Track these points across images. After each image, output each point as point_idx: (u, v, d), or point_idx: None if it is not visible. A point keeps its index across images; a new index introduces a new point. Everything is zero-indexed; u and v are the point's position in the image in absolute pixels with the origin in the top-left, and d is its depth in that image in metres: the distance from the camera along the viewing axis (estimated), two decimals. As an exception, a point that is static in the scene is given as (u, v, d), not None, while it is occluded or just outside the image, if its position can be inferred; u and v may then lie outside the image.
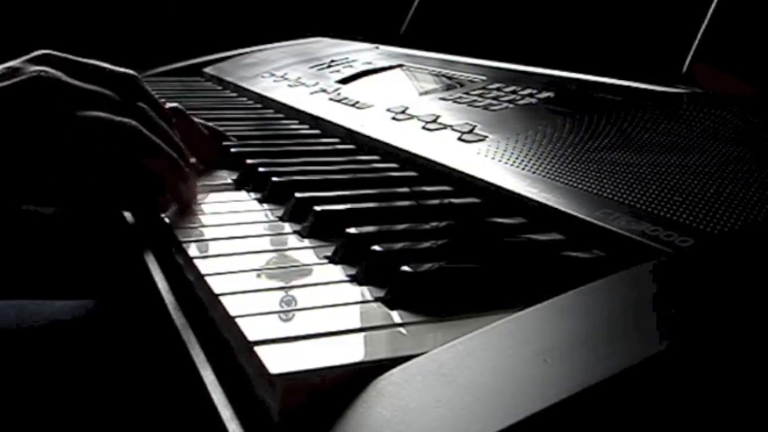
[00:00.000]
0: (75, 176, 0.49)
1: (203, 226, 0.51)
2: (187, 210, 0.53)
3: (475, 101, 0.69)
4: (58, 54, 0.53)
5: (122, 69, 0.55)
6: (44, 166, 0.48)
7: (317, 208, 0.48)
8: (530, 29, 0.90)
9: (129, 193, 0.52)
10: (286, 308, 0.37)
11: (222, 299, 0.37)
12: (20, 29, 1.48)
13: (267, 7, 1.64)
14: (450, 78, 0.81)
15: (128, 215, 0.60)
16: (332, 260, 0.43)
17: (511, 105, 0.66)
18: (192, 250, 0.45)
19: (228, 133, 0.70)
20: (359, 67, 0.95)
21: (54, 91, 0.49)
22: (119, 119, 0.50)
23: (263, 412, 0.31)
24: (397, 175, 0.60)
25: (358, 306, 0.37)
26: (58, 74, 0.50)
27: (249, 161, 0.62)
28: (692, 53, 0.63)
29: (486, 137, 0.59)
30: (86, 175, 0.49)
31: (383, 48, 1.08)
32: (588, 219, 0.42)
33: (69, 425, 0.51)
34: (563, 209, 0.44)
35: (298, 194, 0.52)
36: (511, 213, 0.48)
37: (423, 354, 0.31)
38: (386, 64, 0.94)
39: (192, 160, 0.60)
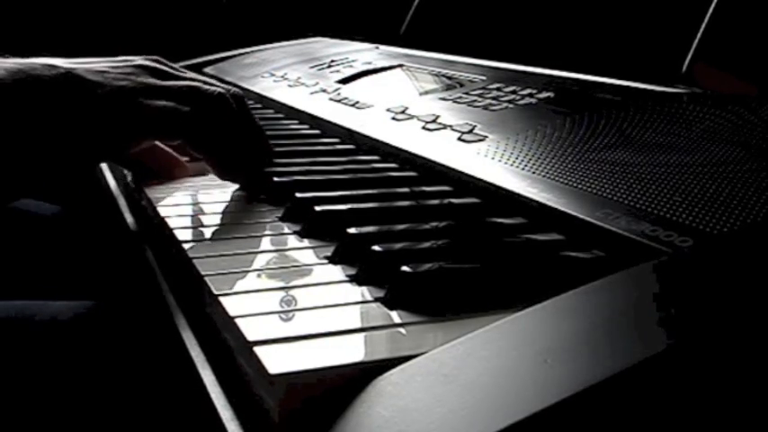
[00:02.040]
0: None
1: (203, 226, 0.51)
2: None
3: (475, 101, 0.69)
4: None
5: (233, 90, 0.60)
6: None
7: (317, 208, 0.48)
8: (530, 29, 0.90)
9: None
10: (286, 308, 0.37)
11: (222, 299, 0.37)
12: (20, 29, 1.48)
13: (267, 7, 1.64)
14: (450, 78, 0.81)
15: (128, 216, 0.60)
16: (332, 260, 0.43)
17: (511, 105, 0.66)
18: (192, 250, 0.45)
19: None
20: (359, 67, 0.95)
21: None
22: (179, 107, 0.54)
23: (263, 412, 0.31)
24: (397, 175, 0.60)
25: (358, 306, 0.37)
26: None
27: (249, 161, 0.62)
28: (691, 53, 0.63)
29: (486, 137, 0.59)
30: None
31: (383, 48, 1.08)
32: (588, 219, 0.42)
33: (70, 425, 0.51)
34: (563, 209, 0.44)
35: (298, 194, 0.52)
36: (511, 213, 0.48)
37: (423, 354, 0.31)
38: (386, 64, 0.94)
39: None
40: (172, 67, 0.59)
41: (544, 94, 0.66)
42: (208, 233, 0.49)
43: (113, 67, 0.55)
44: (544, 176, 0.49)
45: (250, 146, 0.60)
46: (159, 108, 0.54)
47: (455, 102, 0.70)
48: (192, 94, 0.56)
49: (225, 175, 0.59)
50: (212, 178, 0.62)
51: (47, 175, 0.53)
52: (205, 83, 0.59)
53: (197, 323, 0.41)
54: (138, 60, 0.57)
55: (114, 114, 0.53)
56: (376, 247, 0.41)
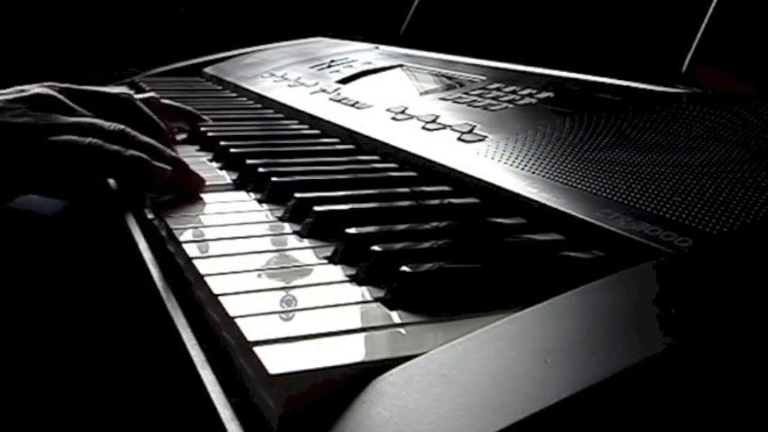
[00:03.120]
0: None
1: (203, 226, 0.51)
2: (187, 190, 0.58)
3: (474, 101, 0.69)
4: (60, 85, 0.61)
5: (118, 92, 0.65)
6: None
7: (317, 208, 0.48)
8: (530, 29, 0.90)
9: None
10: (285, 308, 0.37)
11: (222, 299, 0.37)
12: (21, 29, 1.48)
13: (267, 7, 1.64)
14: (449, 78, 0.81)
15: (129, 217, 0.60)
16: (332, 260, 0.43)
17: (510, 105, 0.66)
18: (192, 250, 0.45)
19: (228, 133, 0.70)
20: (359, 67, 0.95)
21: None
22: (82, 139, 0.57)
23: (263, 412, 0.31)
24: (397, 175, 0.60)
25: (358, 306, 0.37)
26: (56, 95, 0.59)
27: (249, 161, 0.62)
28: (691, 53, 0.63)
29: (486, 137, 0.59)
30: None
31: (383, 48, 1.08)
32: (588, 219, 0.42)
33: (70, 425, 0.51)
34: (562, 209, 0.44)
35: (298, 194, 0.52)
36: (510, 213, 0.48)
37: (422, 354, 0.31)
38: (386, 64, 0.94)
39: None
40: (70, 95, 0.61)
41: (544, 94, 0.66)
42: (208, 233, 0.49)
43: (8, 101, 0.58)
44: (544, 176, 0.49)
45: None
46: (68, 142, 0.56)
47: (455, 102, 0.70)
48: (93, 131, 0.58)
49: (145, 182, 0.59)
50: (212, 178, 0.62)
51: None
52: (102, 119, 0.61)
53: (197, 323, 0.41)
54: (35, 90, 0.59)
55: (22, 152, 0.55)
56: (376, 248, 0.41)
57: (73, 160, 0.56)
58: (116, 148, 0.57)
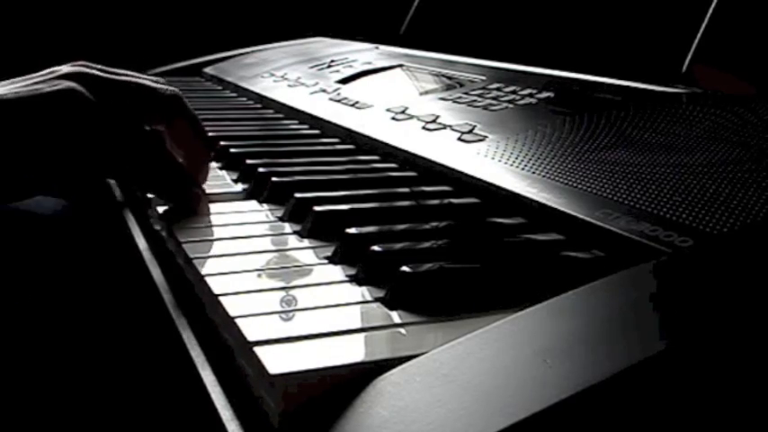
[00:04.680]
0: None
1: (203, 226, 0.51)
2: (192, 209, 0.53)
3: (475, 101, 0.69)
4: (95, 68, 0.54)
5: (166, 87, 0.56)
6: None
7: (317, 208, 0.48)
8: (530, 29, 0.90)
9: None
10: (286, 308, 0.37)
11: (222, 299, 0.37)
12: (21, 29, 1.48)
13: (267, 7, 1.64)
14: (450, 78, 0.81)
15: (129, 217, 0.60)
16: (332, 260, 0.43)
17: (511, 105, 0.66)
18: (192, 251, 0.45)
19: (228, 133, 0.69)
20: (359, 67, 0.95)
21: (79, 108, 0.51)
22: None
23: (263, 412, 0.31)
24: (397, 175, 0.60)
25: (358, 306, 0.37)
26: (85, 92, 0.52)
27: (249, 161, 0.62)
28: (691, 53, 0.63)
29: (486, 137, 0.59)
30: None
31: (383, 48, 1.08)
32: (588, 219, 0.42)
33: (70, 425, 0.51)
34: (563, 209, 0.44)
35: (298, 194, 0.52)
36: (510, 213, 0.48)
37: (423, 354, 0.31)
38: (386, 64, 0.94)
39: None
40: (102, 70, 0.55)
41: (544, 94, 0.66)
42: (208, 233, 0.49)
43: (42, 81, 0.52)
44: (544, 176, 0.49)
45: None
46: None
47: (455, 102, 0.70)
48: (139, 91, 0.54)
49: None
50: (211, 178, 0.62)
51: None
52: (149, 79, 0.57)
53: (197, 323, 0.41)
54: (65, 69, 0.54)
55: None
56: (376, 248, 0.41)
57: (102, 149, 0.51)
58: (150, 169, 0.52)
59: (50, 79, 0.51)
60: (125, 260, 0.57)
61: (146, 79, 0.56)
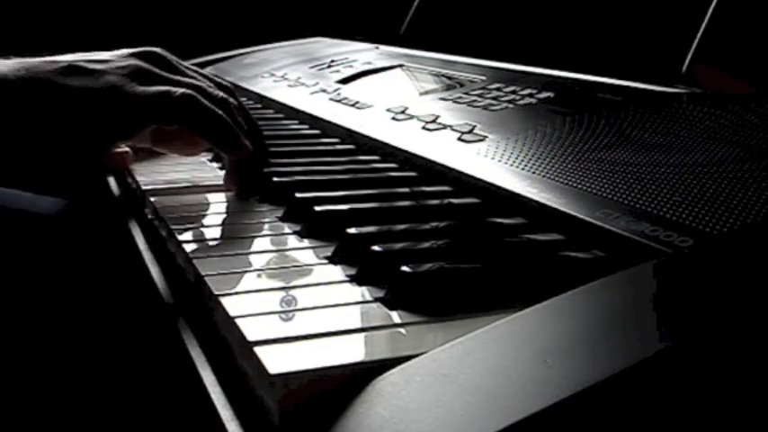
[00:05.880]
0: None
1: (203, 226, 0.51)
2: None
3: (475, 101, 0.69)
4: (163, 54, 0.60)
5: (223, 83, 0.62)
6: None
7: (317, 208, 0.48)
8: (530, 29, 0.90)
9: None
10: (286, 308, 0.37)
11: (222, 299, 0.37)
12: (21, 29, 1.48)
13: (267, 7, 1.64)
14: (450, 78, 0.81)
15: (129, 217, 0.60)
16: (332, 260, 0.43)
17: (511, 105, 0.66)
18: (192, 250, 0.45)
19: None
20: (359, 67, 0.95)
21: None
22: (175, 89, 0.56)
23: (263, 412, 0.31)
24: (397, 175, 0.60)
25: (358, 306, 0.37)
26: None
27: (249, 161, 0.62)
28: (691, 53, 0.63)
29: (486, 137, 0.59)
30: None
31: (383, 48, 1.08)
32: (588, 219, 0.42)
33: (70, 425, 0.51)
34: (563, 209, 0.44)
35: (298, 194, 0.52)
36: (511, 213, 0.48)
37: (422, 354, 0.31)
38: (386, 64, 0.94)
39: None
40: (173, 59, 0.60)
41: (544, 94, 0.66)
42: (208, 233, 0.49)
43: (115, 57, 0.57)
44: (544, 176, 0.49)
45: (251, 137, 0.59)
46: (155, 92, 0.55)
47: (455, 102, 0.70)
48: (192, 87, 0.57)
49: (228, 148, 0.58)
50: (211, 178, 0.62)
51: (57, 162, 0.55)
52: (208, 79, 0.59)
53: (197, 323, 0.41)
54: (140, 51, 0.59)
55: (115, 100, 0.54)
56: (376, 247, 0.41)
57: (158, 111, 0.55)
58: (212, 106, 0.55)
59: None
60: (125, 260, 0.57)
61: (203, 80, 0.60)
